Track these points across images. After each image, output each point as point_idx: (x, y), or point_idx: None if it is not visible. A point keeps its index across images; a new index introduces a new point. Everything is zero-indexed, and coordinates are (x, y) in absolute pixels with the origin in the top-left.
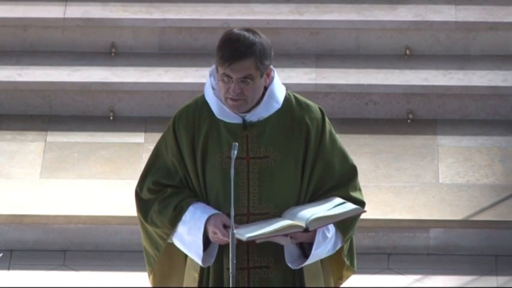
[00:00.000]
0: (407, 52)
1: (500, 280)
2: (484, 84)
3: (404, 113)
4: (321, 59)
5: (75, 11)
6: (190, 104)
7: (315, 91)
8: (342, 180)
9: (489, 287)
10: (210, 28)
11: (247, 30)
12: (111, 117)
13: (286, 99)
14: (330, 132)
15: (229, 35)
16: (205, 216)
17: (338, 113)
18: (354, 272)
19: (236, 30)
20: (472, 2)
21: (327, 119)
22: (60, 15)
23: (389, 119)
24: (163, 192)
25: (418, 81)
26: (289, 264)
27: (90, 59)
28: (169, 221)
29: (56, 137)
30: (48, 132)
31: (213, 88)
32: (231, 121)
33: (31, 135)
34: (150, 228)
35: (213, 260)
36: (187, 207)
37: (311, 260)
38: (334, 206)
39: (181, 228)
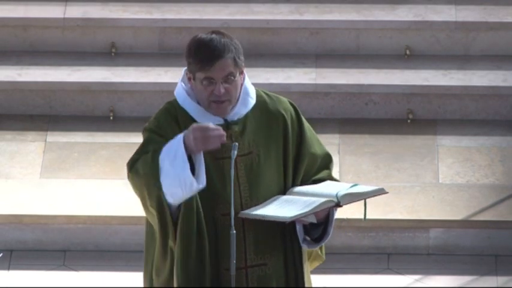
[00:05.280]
0: (407, 52)
1: (500, 280)
2: (484, 84)
3: (404, 113)
4: (321, 59)
5: (75, 11)
6: (166, 107)
7: (315, 91)
8: (323, 164)
9: (489, 287)
10: (210, 28)
11: (214, 32)
12: (111, 117)
13: (258, 95)
14: (307, 125)
15: (200, 39)
16: (181, 136)
17: (338, 113)
18: (323, 261)
19: (204, 35)
20: (472, 2)
21: (299, 110)
22: (60, 15)
23: (389, 119)
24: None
25: (418, 81)
26: (304, 245)
27: (90, 59)
28: (151, 157)
29: (56, 137)
30: (48, 132)
31: (188, 94)
32: (213, 123)
33: (31, 135)
34: (137, 178)
35: (202, 185)
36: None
37: (325, 239)
38: (351, 186)
39: (163, 162)
